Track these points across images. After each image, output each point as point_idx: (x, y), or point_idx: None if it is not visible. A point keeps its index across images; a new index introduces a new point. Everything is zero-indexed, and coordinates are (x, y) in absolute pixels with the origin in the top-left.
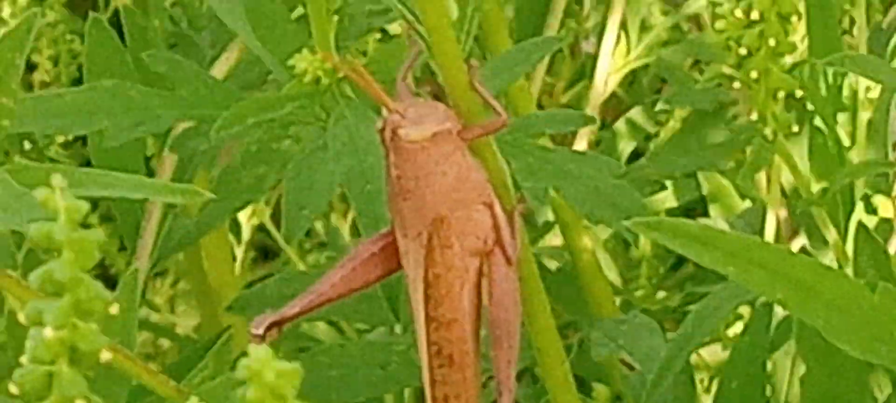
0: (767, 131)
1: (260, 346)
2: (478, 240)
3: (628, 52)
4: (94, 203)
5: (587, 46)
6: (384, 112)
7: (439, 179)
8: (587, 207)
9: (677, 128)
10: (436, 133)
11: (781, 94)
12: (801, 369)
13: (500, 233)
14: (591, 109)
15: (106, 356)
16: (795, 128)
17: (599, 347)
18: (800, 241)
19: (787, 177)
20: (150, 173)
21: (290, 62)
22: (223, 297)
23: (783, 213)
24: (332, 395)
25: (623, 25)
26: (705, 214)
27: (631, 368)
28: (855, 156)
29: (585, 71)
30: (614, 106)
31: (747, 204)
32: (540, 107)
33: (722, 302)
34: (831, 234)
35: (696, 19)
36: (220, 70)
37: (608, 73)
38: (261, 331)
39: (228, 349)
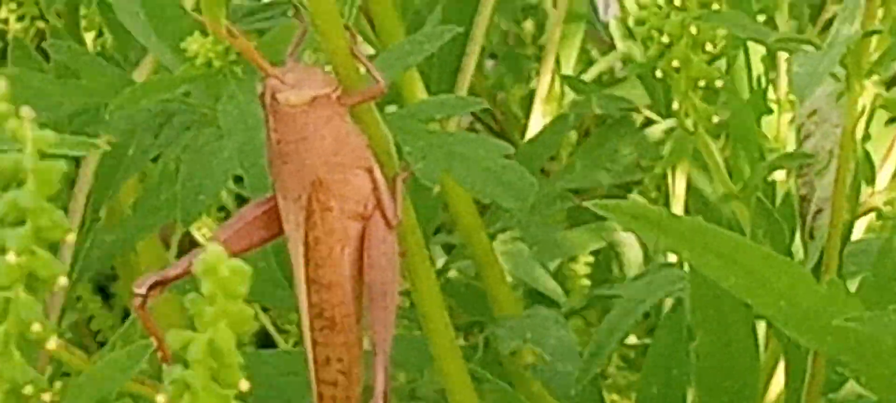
0: (688, 123)
1: (216, 244)
2: (357, 204)
3: (562, 95)
4: None
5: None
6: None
7: (318, 143)
8: (478, 188)
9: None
10: (315, 97)
11: (702, 83)
12: None
13: (380, 198)
14: None
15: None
16: (715, 119)
17: (506, 342)
18: None
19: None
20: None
21: (183, 45)
22: None
23: None
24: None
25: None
26: None
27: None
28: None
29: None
30: None
31: None
32: None
33: (644, 296)
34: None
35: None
36: (138, 76)
37: (542, 116)
38: (143, 291)
39: (135, 329)
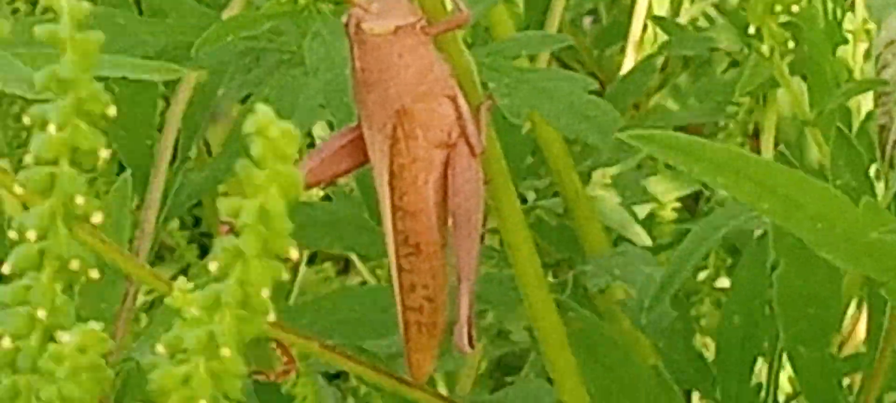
0: (764, 48)
1: (265, 106)
2: (442, 132)
3: (655, 39)
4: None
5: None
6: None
7: (402, 72)
8: (562, 122)
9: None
10: (399, 26)
11: (779, 9)
12: None
13: (464, 126)
14: None
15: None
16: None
17: (595, 279)
18: None
19: None
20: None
21: None
22: None
23: None
24: (335, 337)
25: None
26: None
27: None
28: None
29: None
30: None
31: None
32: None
33: (718, 223)
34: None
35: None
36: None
37: (634, 60)
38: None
39: None
